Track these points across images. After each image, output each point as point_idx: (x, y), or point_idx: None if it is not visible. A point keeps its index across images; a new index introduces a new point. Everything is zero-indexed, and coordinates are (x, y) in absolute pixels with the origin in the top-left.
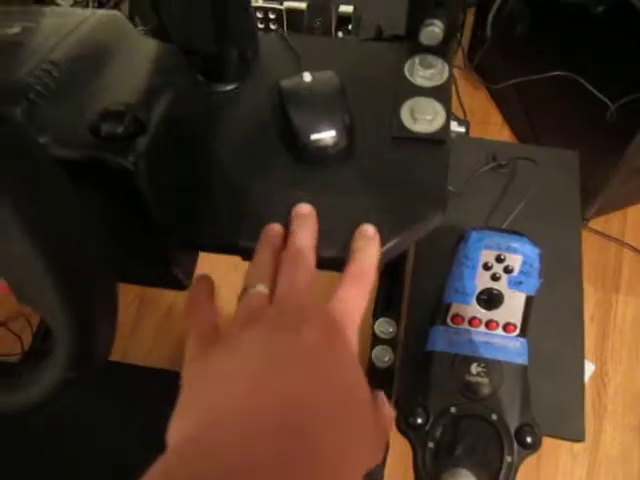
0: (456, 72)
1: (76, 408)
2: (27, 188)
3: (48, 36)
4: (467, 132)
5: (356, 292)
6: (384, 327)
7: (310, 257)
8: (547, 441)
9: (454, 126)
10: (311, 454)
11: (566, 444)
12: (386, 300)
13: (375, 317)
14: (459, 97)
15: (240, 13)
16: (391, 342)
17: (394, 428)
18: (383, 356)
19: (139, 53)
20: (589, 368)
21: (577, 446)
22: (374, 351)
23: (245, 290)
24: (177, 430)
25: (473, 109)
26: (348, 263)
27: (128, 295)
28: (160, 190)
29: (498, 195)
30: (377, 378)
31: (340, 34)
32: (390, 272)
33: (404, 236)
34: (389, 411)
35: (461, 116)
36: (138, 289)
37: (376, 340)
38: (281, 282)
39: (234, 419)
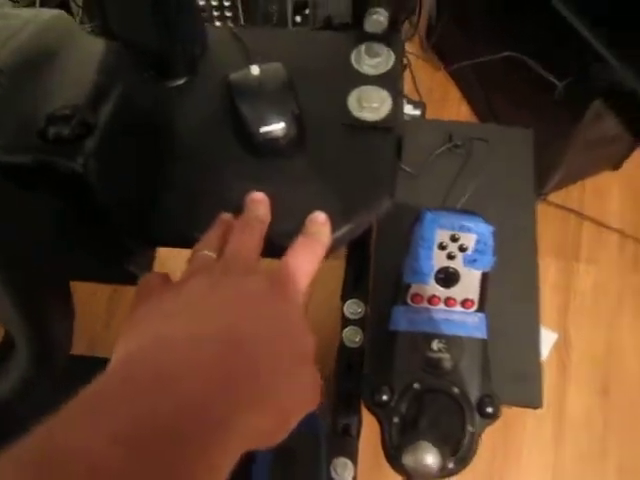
0: (415, 54)
1: (52, 403)
2: None
3: None
4: (423, 114)
5: (304, 258)
6: (353, 308)
7: (261, 228)
8: (513, 408)
9: (409, 109)
10: (247, 381)
11: (532, 411)
12: (353, 281)
13: (343, 299)
14: (414, 81)
15: (183, 9)
16: (360, 322)
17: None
18: (354, 337)
19: (85, 53)
20: (552, 337)
21: (542, 411)
22: (345, 332)
23: (192, 255)
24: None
25: (433, 88)
26: (298, 237)
27: (98, 286)
28: (112, 188)
29: (455, 175)
30: (349, 358)
31: (298, 18)
32: (355, 254)
33: (354, 222)
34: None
35: (417, 99)
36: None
37: (346, 321)
38: (230, 243)
39: (172, 345)
